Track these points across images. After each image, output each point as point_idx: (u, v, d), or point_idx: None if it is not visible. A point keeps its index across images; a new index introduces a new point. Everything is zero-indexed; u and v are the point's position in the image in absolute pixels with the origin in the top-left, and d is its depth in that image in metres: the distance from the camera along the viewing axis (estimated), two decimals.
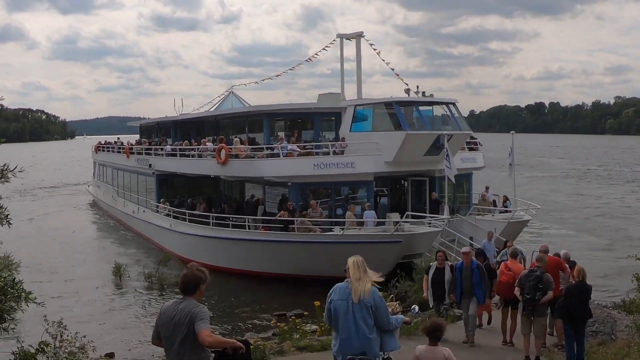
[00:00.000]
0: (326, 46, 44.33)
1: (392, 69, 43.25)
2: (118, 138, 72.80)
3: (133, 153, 52.84)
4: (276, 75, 53.88)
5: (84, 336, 15.25)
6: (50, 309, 13.37)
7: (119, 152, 58.72)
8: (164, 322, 8.48)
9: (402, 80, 42.28)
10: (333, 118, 39.64)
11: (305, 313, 24.01)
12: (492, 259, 26.30)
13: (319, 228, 32.46)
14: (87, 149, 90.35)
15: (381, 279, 9.97)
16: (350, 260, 9.77)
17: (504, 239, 30.31)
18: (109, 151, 65.03)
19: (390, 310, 10.27)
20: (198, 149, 41.15)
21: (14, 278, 10.68)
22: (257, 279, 33.74)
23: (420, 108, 36.92)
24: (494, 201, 40.78)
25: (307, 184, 35.39)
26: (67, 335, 14.71)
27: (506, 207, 39.61)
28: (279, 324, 21.57)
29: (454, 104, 37.78)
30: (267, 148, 36.19)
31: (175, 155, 43.90)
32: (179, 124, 52.25)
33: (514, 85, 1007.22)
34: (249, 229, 34.44)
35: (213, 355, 8.45)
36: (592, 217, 58.66)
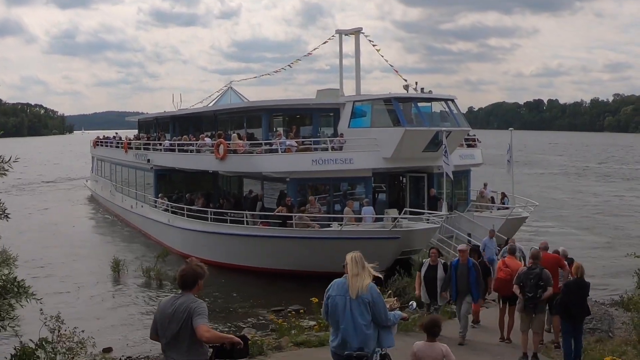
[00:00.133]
0: (325, 42, 44.40)
1: (391, 65, 43.31)
2: (116, 133, 72.75)
3: (131, 148, 52.81)
4: (275, 71, 53.92)
5: (83, 331, 15.24)
6: (48, 305, 13.36)
7: (117, 147, 58.64)
8: (162, 317, 8.49)
9: (401, 76, 42.38)
10: (332, 114, 39.67)
11: (302, 310, 24.03)
12: (493, 256, 26.30)
13: (317, 224, 32.49)
14: (85, 144, 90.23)
15: (380, 276, 9.99)
16: (349, 256, 9.78)
17: (505, 237, 30.31)
18: (107, 146, 65.00)
19: (388, 306, 10.26)
20: (196, 144, 41.14)
21: (15, 276, 10.67)
22: (254, 274, 33.72)
23: (419, 104, 36.98)
24: (492, 198, 40.79)
25: (305, 180, 35.43)
26: (66, 330, 14.71)
27: (504, 203, 39.64)
28: (276, 319, 21.59)
29: (452, 100, 37.82)
30: (265, 144, 36.15)
31: (173, 150, 43.86)
32: (178, 119, 52.29)
33: (512, 82, 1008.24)
34: (247, 224, 34.44)
35: (211, 350, 8.44)
36: (591, 215, 58.59)
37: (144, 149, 49.35)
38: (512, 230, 35.49)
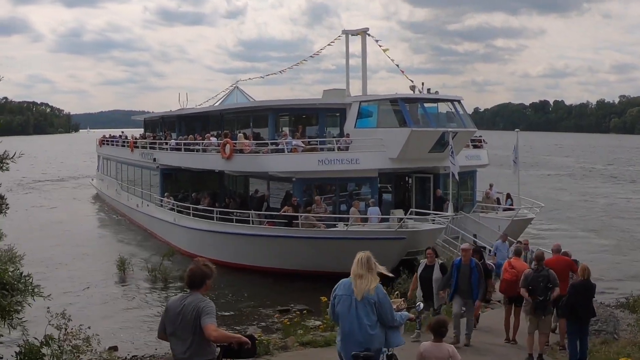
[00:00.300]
0: (331, 42, 44.44)
1: (397, 65, 43.26)
2: (122, 132, 72.83)
3: (137, 147, 52.88)
4: (281, 71, 53.92)
5: (89, 327, 15.28)
6: (54, 302, 13.36)
7: (124, 146, 58.74)
8: (170, 316, 8.53)
9: (407, 77, 42.38)
10: (338, 114, 39.73)
11: (308, 310, 24.05)
12: (505, 260, 26.23)
13: (323, 224, 32.50)
14: (91, 143, 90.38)
15: (391, 275, 10.00)
16: (356, 257, 9.80)
17: (515, 240, 30.20)
18: (113, 145, 65.11)
19: (395, 307, 10.28)
20: (202, 143, 41.17)
21: (22, 272, 10.69)
22: (260, 274, 33.76)
23: (425, 105, 36.93)
24: (498, 199, 40.78)
25: (311, 180, 35.45)
26: (72, 328, 14.74)
27: (507, 204, 39.68)
28: (282, 319, 21.61)
29: (459, 101, 37.80)
30: (271, 143, 36.18)
31: (179, 149, 43.90)
32: (184, 119, 52.32)
33: (519, 83, 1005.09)
34: (253, 224, 34.46)
35: (219, 349, 8.47)
36: (598, 217, 58.48)
37: (150, 148, 49.42)
38: (518, 231, 35.46)
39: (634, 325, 19.62)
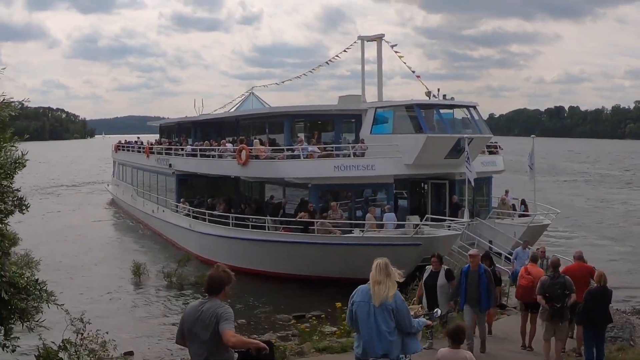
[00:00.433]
0: (347, 48, 44.47)
1: (413, 72, 43.27)
2: (138, 137, 73.02)
3: (153, 153, 52.97)
4: (296, 77, 54.05)
5: (107, 332, 15.35)
6: (69, 308, 13.43)
7: (139, 151, 58.89)
8: (189, 322, 8.60)
9: (423, 83, 42.36)
10: (353, 120, 39.73)
11: (323, 315, 24.04)
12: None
13: (339, 230, 32.50)
14: (107, 148, 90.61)
15: (402, 279, 10.00)
16: (374, 263, 9.83)
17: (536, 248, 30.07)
18: (128, 150, 65.28)
19: (412, 313, 10.30)
20: (218, 149, 41.23)
21: (37, 278, 10.75)
22: (276, 280, 33.77)
23: (441, 111, 36.91)
24: (514, 205, 40.68)
25: (327, 186, 35.45)
26: (88, 333, 14.81)
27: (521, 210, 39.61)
28: (299, 324, 21.61)
29: (474, 107, 37.79)
30: (287, 149, 36.22)
31: (195, 155, 43.98)
32: (199, 124, 52.44)
33: (534, 89, 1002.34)
34: (268, 230, 34.49)
35: (237, 355, 8.51)
36: (615, 223, 58.14)
37: (166, 153, 49.50)
38: (534, 237, 35.33)
39: None
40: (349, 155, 35.03)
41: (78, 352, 13.76)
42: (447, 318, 18.67)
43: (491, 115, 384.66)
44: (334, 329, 21.77)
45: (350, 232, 32.59)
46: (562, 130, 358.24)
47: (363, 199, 36.41)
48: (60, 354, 12.89)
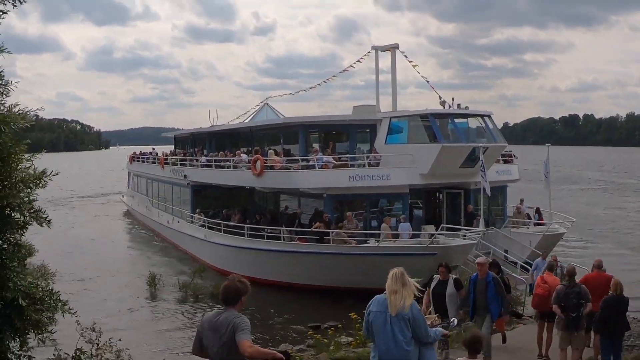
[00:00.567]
0: (361, 58, 44.44)
1: (428, 82, 43.28)
2: (153, 149, 73.19)
3: (168, 164, 53.10)
4: (311, 87, 54.01)
5: (120, 339, 15.34)
6: (84, 319, 13.44)
7: (154, 162, 59.00)
8: (206, 332, 8.61)
9: (437, 92, 42.32)
10: (368, 130, 39.66)
11: (339, 325, 24.03)
12: None
13: (354, 240, 32.47)
14: (121, 159, 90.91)
15: (419, 294, 9.99)
16: (390, 273, 9.82)
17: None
18: (143, 161, 65.41)
19: (429, 323, 10.30)
20: (233, 160, 41.27)
21: (52, 288, 10.77)
22: (291, 290, 33.75)
23: (456, 120, 36.80)
24: (528, 214, 40.57)
25: (342, 196, 35.39)
26: (103, 343, 14.81)
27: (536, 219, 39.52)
28: (315, 335, 21.59)
29: (489, 116, 37.72)
30: (302, 160, 36.24)
31: (210, 166, 44.05)
32: (214, 135, 52.53)
33: (548, 97, 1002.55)
34: (283, 240, 34.47)
35: None
36: (632, 232, 57.54)
37: (181, 164, 49.60)
38: (549, 246, 35.20)
39: None
40: (364, 165, 35.02)
41: None
42: (462, 327, 18.62)
43: (505, 124, 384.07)
44: (350, 339, 21.77)
45: (366, 242, 32.56)
46: (576, 139, 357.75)
47: (378, 209, 36.36)
48: None
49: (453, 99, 37.26)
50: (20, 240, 9.46)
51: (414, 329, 9.58)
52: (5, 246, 8.51)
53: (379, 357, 9.76)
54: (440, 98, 39.01)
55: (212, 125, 53.78)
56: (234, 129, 50.19)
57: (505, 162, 41.78)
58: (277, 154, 38.35)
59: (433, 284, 18.21)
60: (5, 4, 8.30)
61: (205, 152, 50.89)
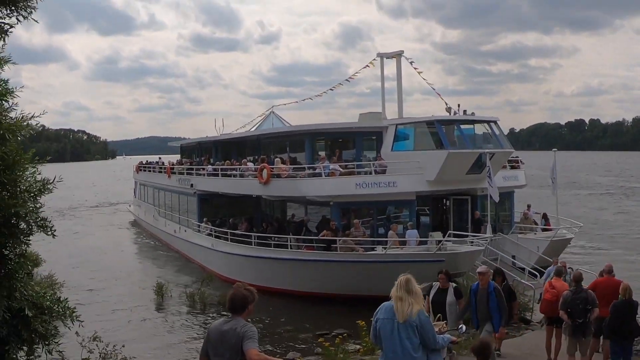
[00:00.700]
0: (366, 65, 44.45)
1: (434, 89, 43.28)
2: (159, 158, 73.34)
3: (174, 173, 53.14)
4: (316, 95, 54.02)
5: (123, 346, 15.33)
6: (91, 328, 13.45)
7: (160, 172, 59.07)
8: (213, 341, 8.58)
9: (443, 99, 42.30)
10: (374, 137, 39.67)
11: (347, 333, 23.99)
12: None
13: (362, 247, 32.43)
14: (128, 169, 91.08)
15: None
16: (398, 279, 9.81)
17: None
18: (150, 171, 65.53)
19: (437, 329, 10.28)
20: (239, 168, 41.28)
21: (59, 296, 10.77)
22: (299, 298, 33.68)
23: (462, 126, 36.81)
24: (534, 220, 40.53)
25: (349, 204, 35.32)
26: (109, 352, 14.81)
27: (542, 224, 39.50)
28: (323, 342, 21.55)
29: (495, 122, 37.66)
30: (309, 168, 36.25)
31: (216, 175, 44.07)
32: (220, 144, 52.59)
33: (553, 102, 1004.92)
34: (291, 248, 34.46)
35: None
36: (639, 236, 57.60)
37: (187, 173, 49.64)
38: (557, 252, 35.16)
39: None
40: (371, 173, 34.97)
41: None
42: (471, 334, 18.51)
43: (511, 130, 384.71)
44: (358, 346, 21.74)
45: (373, 249, 32.52)
46: (583, 143, 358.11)
47: (385, 216, 36.31)
48: None
49: (459, 105, 37.29)
50: (27, 250, 9.45)
51: (421, 336, 9.57)
52: (11, 256, 8.49)
53: None
54: (446, 104, 39.09)
55: (219, 134, 53.85)
56: (240, 137, 50.27)
57: (512, 167, 41.79)
58: (283, 162, 38.39)
59: (432, 292, 17.88)
60: (10, 17, 8.31)
61: (211, 161, 50.91)
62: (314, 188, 34.92)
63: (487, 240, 32.91)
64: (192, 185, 46.81)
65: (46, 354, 10.51)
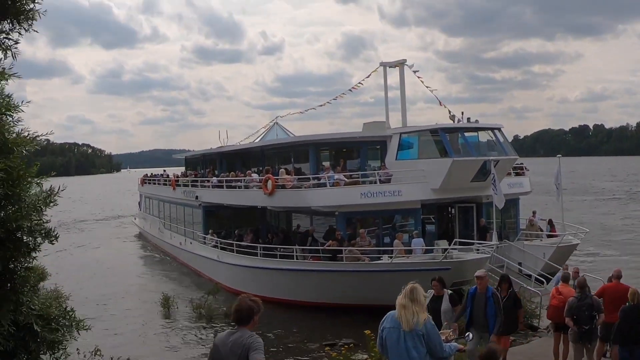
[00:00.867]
0: (369, 75, 44.44)
1: (437, 97, 43.22)
2: (164, 170, 73.40)
3: (179, 185, 53.13)
4: (320, 105, 54.02)
5: (128, 359, 15.31)
6: (98, 341, 13.44)
7: (165, 184, 59.07)
8: (218, 352, 8.52)
9: (446, 107, 42.23)
10: (378, 146, 39.66)
11: (354, 343, 23.93)
12: None
13: (367, 257, 32.38)
14: (132, 182, 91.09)
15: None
16: (405, 287, 9.81)
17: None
18: (154, 183, 65.58)
19: (444, 337, 10.25)
20: (244, 180, 41.26)
21: (66, 307, 10.79)
22: (305, 308, 33.65)
23: (466, 134, 36.75)
24: (540, 227, 40.47)
25: (354, 213, 35.30)
26: None
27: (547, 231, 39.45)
28: (331, 352, 21.50)
29: (499, 129, 37.60)
30: (313, 178, 36.25)
31: (221, 186, 44.06)
32: (225, 156, 52.60)
33: (557, 108, 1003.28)
34: (296, 259, 34.43)
35: None
36: None
37: (192, 185, 49.63)
38: (563, 258, 35.12)
39: None
40: (375, 182, 34.95)
41: None
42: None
43: (516, 137, 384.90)
44: (365, 356, 21.68)
45: (379, 258, 32.48)
46: (587, 149, 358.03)
47: (390, 225, 36.26)
48: None
49: (463, 113, 37.23)
50: (32, 263, 9.46)
51: (428, 345, 9.56)
52: (17, 270, 8.50)
53: None
54: (449, 112, 39.02)
55: (222, 146, 53.86)
56: (245, 148, 50.29)
57: (517, 174, 41.71)
58: (288, 172, 38.38)
59: (427, 300, 17.48)
60: (13, 32, 8.31)
61: (216, 172, 50.92)
62: (319, 198, 34.90)
63: (493, 247, 32.79)
64: (197, 197, 46.81)
65: None
